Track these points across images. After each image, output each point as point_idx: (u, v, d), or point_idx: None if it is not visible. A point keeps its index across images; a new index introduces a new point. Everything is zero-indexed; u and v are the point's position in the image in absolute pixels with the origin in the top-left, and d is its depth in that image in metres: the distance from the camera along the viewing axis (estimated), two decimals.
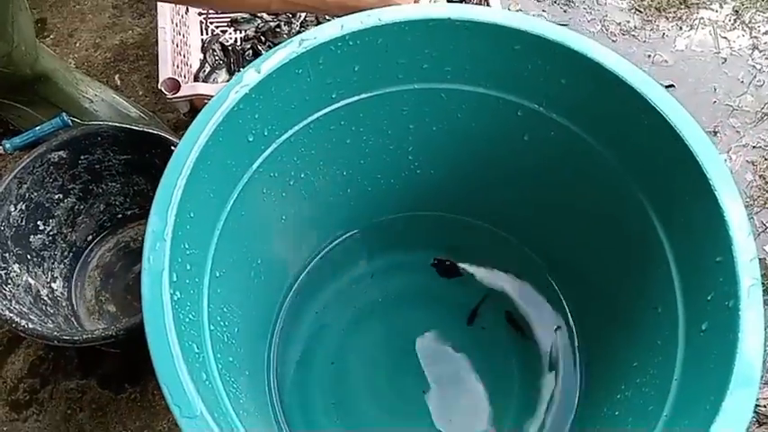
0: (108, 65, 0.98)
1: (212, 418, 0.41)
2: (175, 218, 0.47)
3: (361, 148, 0.64)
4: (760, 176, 0.93)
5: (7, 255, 0.69)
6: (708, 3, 1.09)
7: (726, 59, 1.04)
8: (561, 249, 0.68)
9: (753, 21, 1.07)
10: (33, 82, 0.83)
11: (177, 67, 0.85)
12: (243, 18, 0.97)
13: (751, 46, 1.05)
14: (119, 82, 0.96)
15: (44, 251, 0.75)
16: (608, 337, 0.62)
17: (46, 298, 0.73)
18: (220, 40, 0.95)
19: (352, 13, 0.54)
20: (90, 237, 0.81)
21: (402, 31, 0.55)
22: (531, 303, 0.72)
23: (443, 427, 0.66)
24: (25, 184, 0.71)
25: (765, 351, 0.43)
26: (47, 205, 0.74)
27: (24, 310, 0.66)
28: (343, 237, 0.76)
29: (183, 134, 0.50)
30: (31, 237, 0.73)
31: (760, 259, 0.52)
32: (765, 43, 1.05)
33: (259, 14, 0.97)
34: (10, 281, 0.68)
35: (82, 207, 0.78)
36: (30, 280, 0.71)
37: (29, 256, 0.72)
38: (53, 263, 0.76)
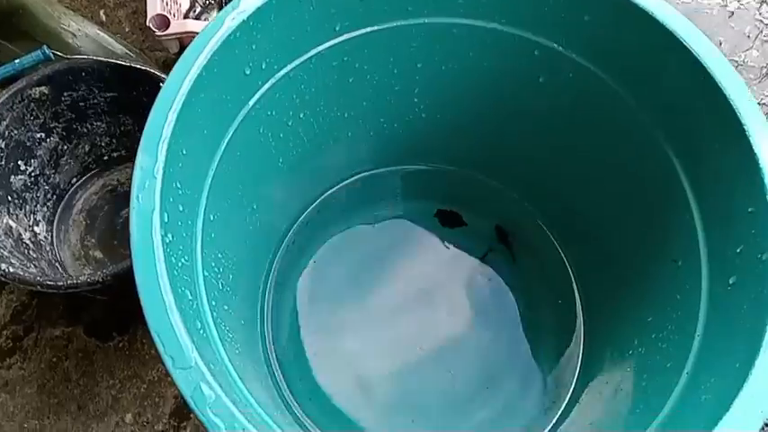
0: None
1: (208, 370, 0.36)
2: (166, 154, 0.42)
3: (365, 87, 0.59)
4: None
5: None
6: None
7: (733, 13, 0.99)
8: (574, 202, 0.64)
9: None
10: (11, 14, 0.76)
11: (166, 4, 0.78)
12: None
13: (759, 0, 1.00)
14: (104, 18, 0.89)
15: (26, 193, 0.69)
16: (619, 292, 0.58)
17: (28, 242, 0.68)
18: None
19: None
20: (74, 179, 0.75)
21: None
22: (539, 259, 0.68)
23: (444, 377, 0.63)
24: (4, 120, 0.64)
25: None
26: (28, 144, 0.68)
27: (5, 253, 0.61)
28: (344, 184, 0.71)
29: None
30: (12, 177, 0.67)
31: None
32: None
33: None
34: None
35: (65, 147, 0.72)
36: (10, 222, 0.66)
37: (9, 198, 0.67)
38: (35, 205, 0.70)
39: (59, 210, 0.74)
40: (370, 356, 0.64)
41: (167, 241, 0.40)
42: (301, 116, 0.57)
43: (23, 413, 0.68)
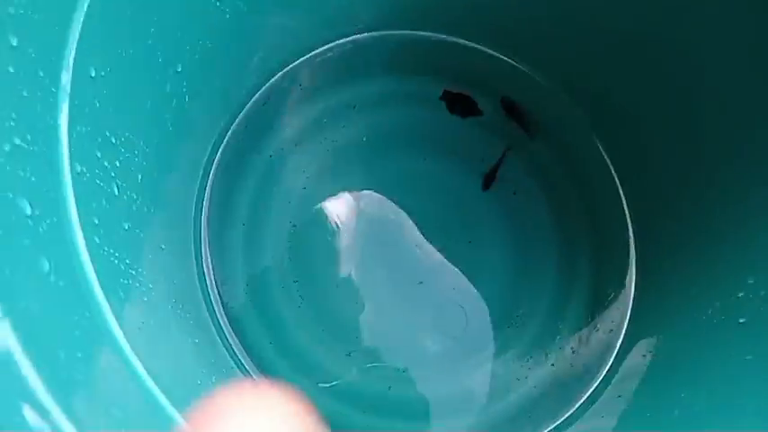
0: None
1: None
2: None
3: None
4: None
5: None
6: None
7: None
8: (612, 92, 0.44)
9: None
10: None
11: None
12: None
13: None
14: None
15: None
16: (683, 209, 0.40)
17: None
18: None
19: None
20: None
21: None
22: (574, 165, 0.50)
23: (455, 316, 0.46)
24: None
25: None
26: None
27: None
28: (315, 53, 0.50)
29: None
30: None
31: None
32: None
33: None
34: None
35: None
36: None
37: None
38: None
39: None
40: (357, 293, 0.46)
41: None
42: None
43: None
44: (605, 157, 0.46)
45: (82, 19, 0.27)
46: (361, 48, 0.51)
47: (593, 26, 0.42)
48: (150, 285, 0.31)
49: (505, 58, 0.50)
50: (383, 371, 0.45)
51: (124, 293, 0.27)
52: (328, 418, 0.44)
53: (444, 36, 0.50)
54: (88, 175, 0.27)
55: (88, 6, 0.27)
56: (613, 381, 0.40)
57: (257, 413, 0.14)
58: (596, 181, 0.47)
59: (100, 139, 0.29)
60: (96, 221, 0.27)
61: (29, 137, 0.23)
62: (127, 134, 0.31)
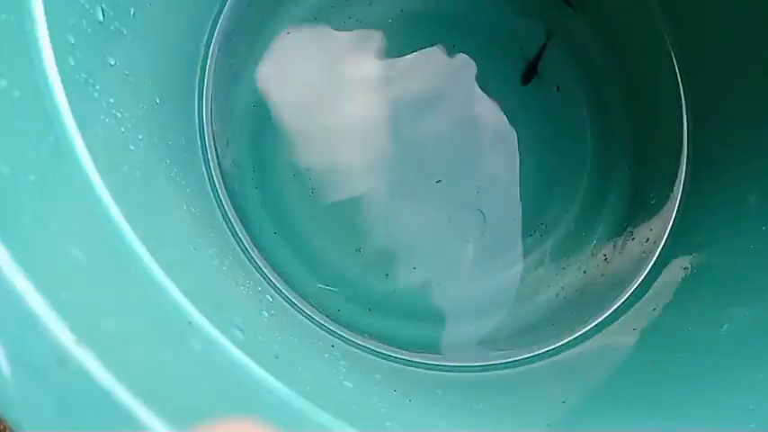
0: None
1: None
2: None
3: None
4: None
5: None
6: None
7: None
8: None
9: None
10: None
11: None
12: None
13: None
14: None
15: None
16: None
17: None
18: None
19: None
20: None
21: None
22: (622, 48, 0.43)
23: (473, 221, 0.41)
24: None
25: None
26: None
27: None
28: None
29: None
30: None
31: None
32: None
33: None
34: None
35: None
36: None
37: None
38: None
39: None
40: (372, 187, 0.41)
41: None
42: None
43: None
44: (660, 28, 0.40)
45: None
46: None
47: None
48: (140, 136, 0.26)
49: None
50: (391, 269, 0.41)
51: (103, 132, 0.22)
52: (330, 313, 0.41)
53: None
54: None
55: None
56: (647, 294, 0.36)
57: None
58: (647, 63, 0.41)
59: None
60: (72, 41, 0.22)
61: None
62: None
